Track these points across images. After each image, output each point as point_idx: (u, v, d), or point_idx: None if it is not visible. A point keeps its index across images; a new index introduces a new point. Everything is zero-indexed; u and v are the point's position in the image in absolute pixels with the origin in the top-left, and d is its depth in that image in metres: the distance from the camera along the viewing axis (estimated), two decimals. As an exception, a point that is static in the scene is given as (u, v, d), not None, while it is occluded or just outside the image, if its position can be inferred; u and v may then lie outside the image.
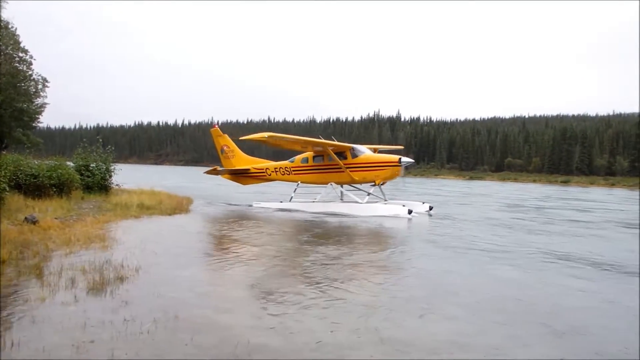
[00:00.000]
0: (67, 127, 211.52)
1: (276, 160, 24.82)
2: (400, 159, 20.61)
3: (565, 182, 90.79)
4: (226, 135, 26.26)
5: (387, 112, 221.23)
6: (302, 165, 22.72)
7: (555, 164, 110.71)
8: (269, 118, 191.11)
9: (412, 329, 5.92)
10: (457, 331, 5.89)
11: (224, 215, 18.96)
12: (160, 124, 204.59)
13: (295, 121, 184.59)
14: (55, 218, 13.00)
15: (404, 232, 15.99)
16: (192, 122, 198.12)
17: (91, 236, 11.10)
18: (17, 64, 32.99)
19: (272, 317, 6.17)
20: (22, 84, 33.95)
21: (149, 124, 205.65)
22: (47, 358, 4.67)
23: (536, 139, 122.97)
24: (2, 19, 29.93)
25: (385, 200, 21.92)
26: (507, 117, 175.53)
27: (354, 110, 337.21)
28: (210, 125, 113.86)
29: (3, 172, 13.35)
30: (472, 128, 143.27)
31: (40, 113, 37.24)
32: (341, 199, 23.04)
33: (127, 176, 26.10)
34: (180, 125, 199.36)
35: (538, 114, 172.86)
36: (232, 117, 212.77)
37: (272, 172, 23.77)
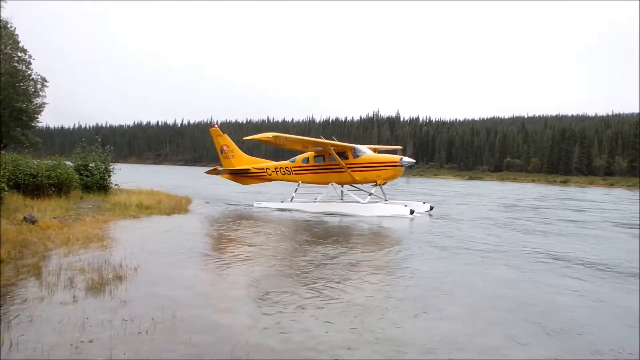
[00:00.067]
0: (66, 126, 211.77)
1: (275, 160, 24.80)
2: (401, 159, 20.64)
3: (564, 182, 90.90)
4: (226, 134, 26.14)
5: (386, 112, 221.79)
6: (303, 165, 22.66)
7: (554, 164, 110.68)
8: (268, 118, 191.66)
9: (408, 329, 5.97)
10: (452, 331, 5.94)
11: (223, 215, 18.98)
12: (160, 123, 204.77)
13: (294, 121, 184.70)
14: (54, 218, 13.04)
15: (402, 232, 16.02)
16: (192, 122, 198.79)
17: (90, 236, 11.14)
18: (16, 64, 32.94)
19: (268, 316, 6.22)
20: (21, 84, 33.89)
21: (148, 123, 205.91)
22: (45, 358, 4.71)
23: (535, 139, 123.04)
24: (1, 18, 29.92)
25: (386, 200, 21.94)
26: (506, 117, 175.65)
27: (353, 110, 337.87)
28: (209, 125, 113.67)
29: (2, 171, 13.40)
30: (471, 128, 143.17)
31: (39, 113, 37.18)
32: (341, 199, 23.02)
33: (126, 176, 26.11)
34: (179, 125, 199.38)
35: (537, 114, 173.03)
36: (232, 117, 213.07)
37: (273, 172, 23.69)
